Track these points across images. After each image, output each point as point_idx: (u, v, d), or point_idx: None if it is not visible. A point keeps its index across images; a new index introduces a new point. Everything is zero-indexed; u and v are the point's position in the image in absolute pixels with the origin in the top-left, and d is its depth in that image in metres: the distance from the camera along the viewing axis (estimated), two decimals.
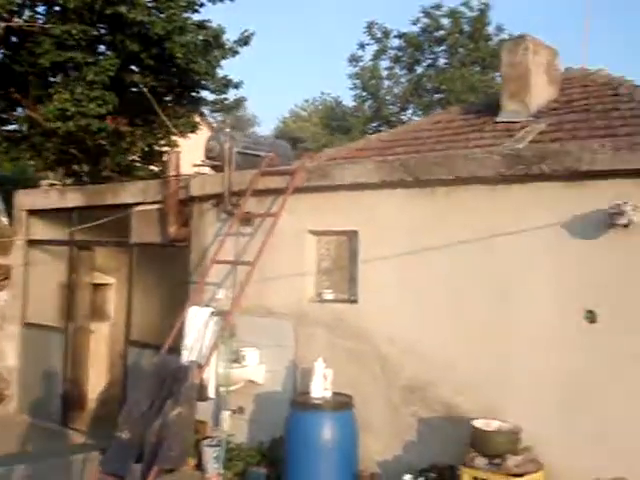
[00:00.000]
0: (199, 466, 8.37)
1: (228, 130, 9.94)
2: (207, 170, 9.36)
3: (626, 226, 5.90)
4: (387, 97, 29.43)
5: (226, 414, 8.28)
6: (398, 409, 7.26)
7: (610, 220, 5.95)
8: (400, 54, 29.65)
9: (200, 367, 7.20)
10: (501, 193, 6.68)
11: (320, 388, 7.20)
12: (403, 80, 29.54)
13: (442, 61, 29.09)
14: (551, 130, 9.40)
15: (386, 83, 29.74)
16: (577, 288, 6.27)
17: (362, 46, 29.81)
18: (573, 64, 11.77)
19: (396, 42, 29.48)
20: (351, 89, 29.83)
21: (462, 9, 28.45)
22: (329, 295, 7.96)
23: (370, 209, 7.51)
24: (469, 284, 6.83)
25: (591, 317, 6.18)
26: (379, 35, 29.55)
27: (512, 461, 6.10)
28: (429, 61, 29.51)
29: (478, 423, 6.42)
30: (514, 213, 6.59)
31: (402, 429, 7.21)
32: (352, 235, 7.74)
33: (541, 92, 10.46)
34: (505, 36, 25.73)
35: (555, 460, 6.22)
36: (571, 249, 6.29)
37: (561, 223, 6.32)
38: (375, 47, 29.72)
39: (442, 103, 24.75)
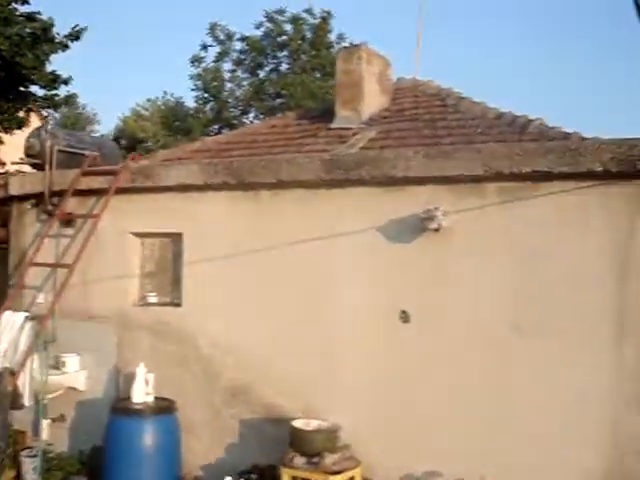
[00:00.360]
0: (18, 478, 7.98)
1: (50, 127, 9.50)
2: (28, 168, 8.96)
3: (437, 230, 6.18)
4: (229, 100, 29.35)
5: (45, 423, 7.92)
6: (220, 411, 7.25)
7: (422, 224, 6.21)
8: (243, 57, 29.68)
9: (13, 374, 6.89)
10: (322, 197, 6.82)
11: (141, 393, 7.06)
12: (245, 83, 29.56)
13: (284, 66, 29.35)
14: (381, 137, 9.72)
15: (228, 85, 29.66)
16: (393, 289, 6.50)
17: (205, 47, 29.59)
18: (405, 74, 12.21)
19: (239, 45, 29.48)
20: (193, 90, 29.54)
21: (305, 16, 28.84)
22: (153, 298, 7.82)
23: (194, 211, 7.45)
24: (291, 286, 6.93)
25: (405, 317, 6.43)
26: (222, 37, 29.44)
27: (330, 459, 6.23)
28: (272, 66, 29.70)
29: (297, 423, 6.51)
30: (334, 217, 6.74)
31: (224, 431, 7.21)
32: (176, 238, 7.65)
33: (373, 100, 10.79)
34: (347, 44, 26.33)
35: (372, 457, 6.42)
36: (388, 252, 6.51)
37: (379, 227, 6.53)
38: (218, 49, 29.58)
39: (283, 108, 24.94)
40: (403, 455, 6.41)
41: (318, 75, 27.88)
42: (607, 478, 5.74)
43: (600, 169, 5.72)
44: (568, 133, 8.66)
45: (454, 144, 7.68)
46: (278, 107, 26.83)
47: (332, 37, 29.27)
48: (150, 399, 7.09)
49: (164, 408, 7.07)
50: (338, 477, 6.12)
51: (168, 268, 7.84)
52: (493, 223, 6.15)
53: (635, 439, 5.68)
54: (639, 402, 5.67)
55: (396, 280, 6.48)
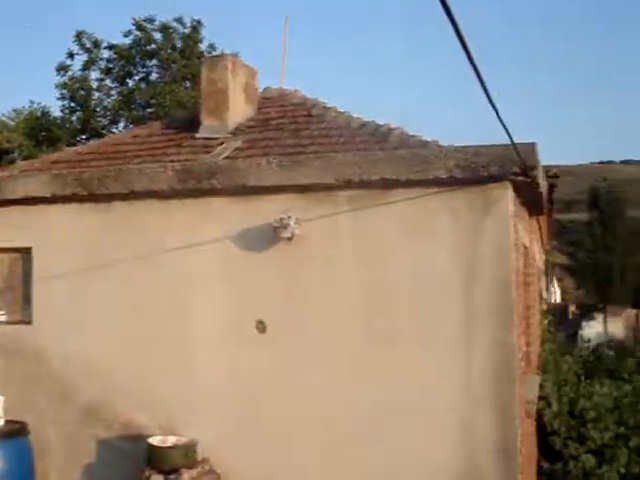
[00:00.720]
0: None
1: None
2: None
3: (290, 239, 6.18)
4: (97, 109, 28.51)
5: None
6: (76, 431, 6.98)
7: (275, 233, 6.19)
8: (111, 66, 28.93)
9: None
10: (175, 208, 6.71)
11: None
12: (114, 92, 28.82)
13: (154, 75, 28.80)
14: (246, 147, 9.63)
15: (96, 94, 28.83)
16: (249, 300, 6.46)
17: (71, 55, 28.62)
18: (273, 84, 12.18)
19: (107, 53, 28.72)
20: (59, 99, 28.53)
21: (175, 25, 28.41)
22: (1, 317, 7.46)
23: (44, 225, 7.17)
24: (147, 300, 6.77)
25: (262, 327, 6.39)
26: (89, 45, 28.60)
27: (187, 475, 6.12)
28: (141, 75, 29.08)
29: (154, 440, 6.35)
30: (188, 227, 6.65)
31: (80, 452, 6.95)
32: (26, 252, 7.33)
33: (239, 110, 10.67)
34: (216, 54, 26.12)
35: (232, 468, 6.36)
36: (243, 262, 6.46)
37: (233, 237, 6.48)
38: (85, 57, 28.71)
39: (153, 117, 24.47)
40: (263, 467, 6.37)
41: (188, 84, 27.51)
42: (460, 476, 5.88)
43: (446, 176, 5.87)
44: (427, 141, 8.86)
45: (317, 153, 7.72)
46: (148, 117, 26.30)
47: (203, 47, 28.96)
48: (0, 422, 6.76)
49: (14, 431, 6.75)
50: None
51: (18, 284, 7.50)
52: (343, 231, 6.22)
53: (486, 437, 5.85)
54: (489, 401, 5.85)
55: (251, 290, 6.44)
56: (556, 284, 49.12)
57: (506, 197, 5.92)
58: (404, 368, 6.00)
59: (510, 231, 5.92)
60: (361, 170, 6.04)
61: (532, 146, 5.82)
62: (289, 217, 6.14)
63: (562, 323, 31.38)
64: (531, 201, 7.72)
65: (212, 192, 6.51)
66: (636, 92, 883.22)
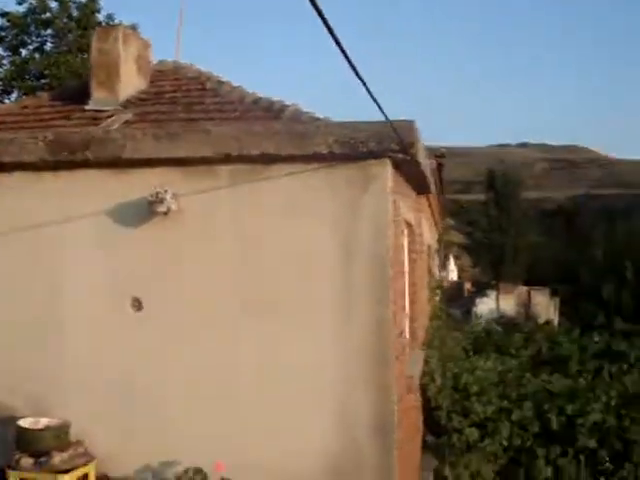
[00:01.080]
0: None
1: None
2: None
3: (166, 214, 6.02)
4: None
5: None
6: None
7: (151, 208, 6.01)
8: (3, 34, 27.73)
9: None
10: (47, 180, 6.43)
11: None
12: (6, 62, 27.66)
13: (49, 45, 27.77)
14: (136, 120, 9.35)
15: None
16: (125, 277, 6.27)
17: None
18: (168, 57, 11.86)
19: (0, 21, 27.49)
20: None
21: None
22: None
23: None
24: (17, 277, 6.48)
25: (137, 305, 6.22)
26: None
27: (58, 458, 5.92)
28: (35, 44, 28.00)
29: (24, 422, 6.11)
30: (61, 202, 6.38)
31: None
32: None
33: (131, 82, 10.34)
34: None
35: (107, 450, 6.18)
36: (118, 238, 6.26)
37: (108, 212, 6.27)
38: None
39: (46, 88, 23.61)
40: (140, 447, 6.22)
41: (85, 55, 26.64)
42: (337, 453, 5.89)
43: (326, 151, 5.82)
44: (318, 118, 8.81)
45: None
46: (42, 87, 25.36)
47: (101, 17, 28.08)
48: None
49: None
50: (66, 477, 5.83)
51: None
52: (224, 206, 6.10)
53: (362, 414, 5.87)
54: (365, 378, 5.86)
55: (127, 267, 6.26)
56: (453, 262, 50.27)
57: (385, 174, 5.92)
58: (282, 346, 5.95)
59: (388, 208, 5.93)
60: (240, 144, 5.92)
61: (410, 123, 5.82)
62: (165, 191, 5.97)
63: (457, 300, 32.14)
64: (416, 179, 7.77)
65: (86, 164, 6.27)
66: (531, 78, 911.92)
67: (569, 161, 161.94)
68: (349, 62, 3.65)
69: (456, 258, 54.64)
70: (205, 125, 6.49)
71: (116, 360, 6.29)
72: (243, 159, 5.97)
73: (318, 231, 5.93)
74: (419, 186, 8.77)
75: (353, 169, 5.90)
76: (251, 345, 6.02)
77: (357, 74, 3.84)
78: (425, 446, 9.52)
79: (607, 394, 10.28)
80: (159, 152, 6.11)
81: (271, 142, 5.89)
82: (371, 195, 5.87)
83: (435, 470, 8.87)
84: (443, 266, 25.14)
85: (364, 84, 4.02)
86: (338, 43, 3.34)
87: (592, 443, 9.61)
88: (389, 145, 5.75)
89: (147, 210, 6.07)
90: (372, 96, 4.32)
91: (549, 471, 9.51)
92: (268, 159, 5.95)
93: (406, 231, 8.38)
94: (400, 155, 5.87)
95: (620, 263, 35.57)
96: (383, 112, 4.74)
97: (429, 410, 9.68)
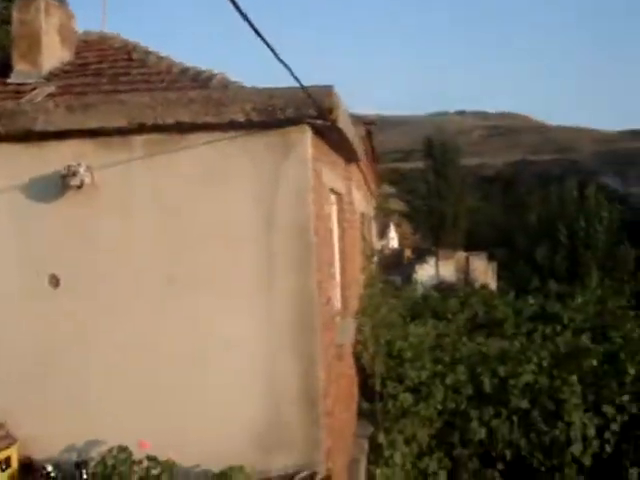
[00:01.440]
0: None
1: None
2: None
3: (80, 187, 5.83)
4: None
5: None
6: None
7: (64, 182, 5.82)
8: None
9: None
10: None
11: None
12: None
13: None
14: (60, 93, 9.06)
15: None
16: (40, 253, 6.07)
17: None
18: (93, 28, 11.51)
19: None
20: None
21: None
22: None
23: None
24: None
25: (55, 281, 6.04)
26: None
27: None
28: None
29: None
30: None
31: None
32: None
33: (54, 54, 10.01)
34: None
35: (31, 430, 6.02)
36: (32, 212, 6.05)
37: (20, 186, 6.04)
38: None
39: None
40: (63, 428, 6.06)
41: (9, 28, 25.85)
42: (266, 427, 5.83)
43: (243, 119, 5.70)
44: (243, 86, 8.66)
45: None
46: None
47: None
48: None
49: None
50: None
51: None
52: (140, 178, 5.94)
53: (287, 387, 5.82)
54: (289, 348, 5.81)
55: (42, 243, 6.05)
56: (394, 230, 50.74)
57: (305, 140, 5.82)
58: (204, 318, 5.85)
59: (309, 175, 5.84)
60: (155, 113, 5.76)
61: (329, 89, 5.71)
62: (78, 164, 5.78)
63: (398, 267, 32.43)
64: (342, 147, 7.69)
65: None
66: (469, 47, 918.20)
67: (506, 128, 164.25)
68: (254, 29, 3.52)
69: (397, 226, 55.14)
70: (121, 95, 6.28)
71: (35, 339, 6.11)
72: (158, 128, 5.81)
73: (238, 200, 5.82)
74: (347, 154, 8.70)
75: (272, 136, 5.79)
76: (174, 318, 5.90)
77: (264, 40, 3.72)
78: (360, 413, 9.57)
79: (538, 355, 10.45)
80: (72, 124, 5.91)
81: (186, 110, 5.74)
82: (291, 162, 5.78)
83: (370, 437, 8.92)
84: (382, 234, 25.26)
85: (271, 49, 3.90)
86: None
87: (524, 404, 9.77)
88: (307, 111, 5.65)
89: (60, 184, 5.87)
90: (282, 61, 4.20)
91: (483, 432, 9.65)
92: (184, 128, 5.80)
93: (334, 199, 8.32)
94: (319, 121, 5.77)
95: (554, 227, 36.26)
96: (295, 77, 4.62)
97: (364, 378, 9.72)
